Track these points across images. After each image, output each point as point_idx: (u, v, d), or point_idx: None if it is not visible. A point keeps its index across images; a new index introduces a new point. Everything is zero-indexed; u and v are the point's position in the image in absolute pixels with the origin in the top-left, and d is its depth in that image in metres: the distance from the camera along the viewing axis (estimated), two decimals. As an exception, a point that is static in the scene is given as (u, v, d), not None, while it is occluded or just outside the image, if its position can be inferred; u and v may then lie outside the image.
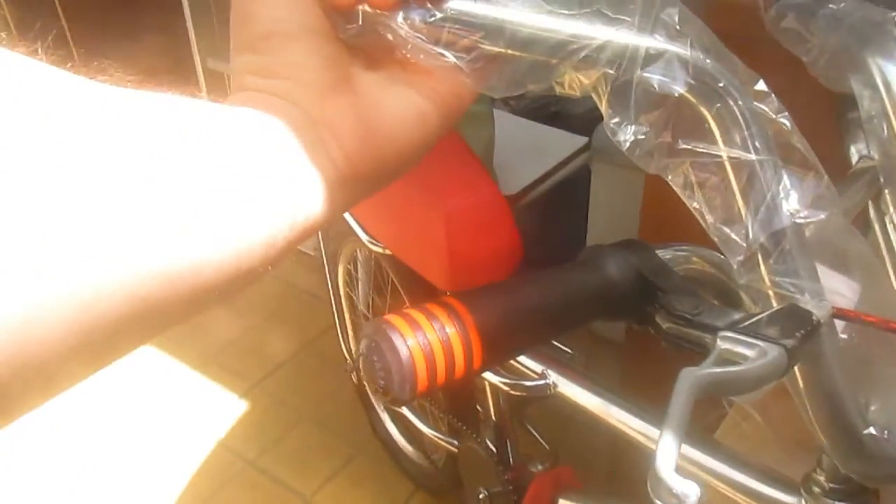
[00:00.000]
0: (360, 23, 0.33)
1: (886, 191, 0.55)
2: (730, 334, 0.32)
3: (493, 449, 1.15)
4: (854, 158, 0.61)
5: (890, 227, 0.56)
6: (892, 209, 0.55)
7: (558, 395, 0.91)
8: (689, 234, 0.80)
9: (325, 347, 1.83)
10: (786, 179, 0.35)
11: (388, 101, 0.34)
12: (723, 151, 0.35)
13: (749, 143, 0.34)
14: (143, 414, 1.77)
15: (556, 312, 0.34)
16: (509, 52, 0.34)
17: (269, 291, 1.98)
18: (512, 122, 1.77)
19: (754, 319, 0.33)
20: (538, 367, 0.92)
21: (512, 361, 0.95)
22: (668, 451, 0.25)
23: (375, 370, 0.30)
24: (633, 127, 0.34)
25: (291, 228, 0.29)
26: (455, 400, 1.25)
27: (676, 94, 0.33)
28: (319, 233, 1.64)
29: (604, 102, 0.34)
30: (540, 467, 1.13)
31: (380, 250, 1.18)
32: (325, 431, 1.70)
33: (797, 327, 0.32)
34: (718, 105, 0.34)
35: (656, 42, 0.33)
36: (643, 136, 0.34)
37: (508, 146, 1.63)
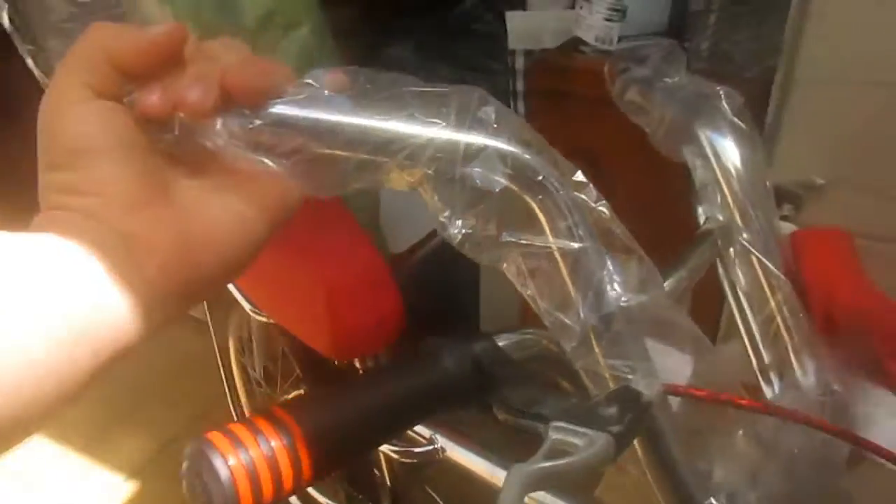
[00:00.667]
0: (177, 132, 0.32)
1: (728, 251, 0.58)
2: (560, 424, 0.32)
3: (394, 518, 1.13)
4: (701, 219, 0.65)
5: (736, 285, 0.59)
6: (734, 268, 0.58)
7: (447, 460, 0.90)
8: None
9: (222, 419, 1.75)
10: (610, 265, 0.36)
11: (210, 209, 0.33)
12: (550, 241, 0.35)
13: (573, 231, 0.35)
14: (27, 501, 1.64)
15: (391, 413, 0.34)
16: (333, 153, 0.34)
17: (158, 360, 1.90)
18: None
19: (585, 406, 0.34)
20: (427, 432, 0.92)
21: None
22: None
23: (197, 493, 0.29)
24: (461, 221, 0.35)
25: (95, 355, 0.28)
26: (351, 466, 1.22)
27: (498, 189, 0.34)
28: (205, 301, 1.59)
29: (429, 198, 0.35)
30: (438, 531, 1.11)
31: (265, 319, 1.15)
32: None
33: (625, 411, 0.33)
34: (541, 196, 0.35)
35: (475, 139, 0.34)
36: (470, 230, 0.35)
37: (398, 202, 1.64)
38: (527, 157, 0.35)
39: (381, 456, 1.07)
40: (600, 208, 0.37)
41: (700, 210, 0.65)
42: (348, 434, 0.32)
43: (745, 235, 0.56)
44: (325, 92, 0.34)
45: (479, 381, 0.36)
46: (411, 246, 1.56)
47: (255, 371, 1.49)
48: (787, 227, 0.65)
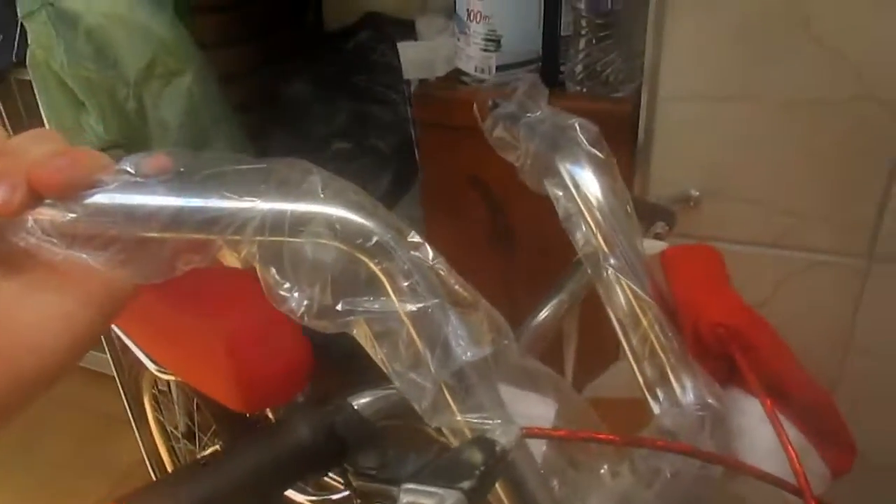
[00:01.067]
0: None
1: (601, 277, 0.60)
2: (411, 486, 0.32)
3: None
4: (579, 245, 0.66)
5: (612, 309, 0.61)
6: (608, 293, 0.59)
7: None
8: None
9: (144, 480, 1.69)
10: (454, 320, 0.36)
11: (28, 310, 0.32)
12: (394, 303, 0.36)
13: (415, 290, 0.36)
14: None
15: (245, 492, 0.33)
16: (154, 236, 0.33)
17: (77, 427, 1.83)
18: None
19: (438, 463, 0.34)
20: (342, 479, 0.91)
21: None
22: None
23: None
24: (297, 294, 0.34)
25: None
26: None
27: (331, 257, 0.34)
28: (111, 360, 1.54)
29: (265, 274, 0.35)
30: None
31: (171, 377, 1.12)
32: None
33: (478, 464, 0.34)
34: (377, 259, 0.35)
35: (301, 207, 0.34)
36: (309, 302, 0.35)
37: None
38: (359, 220, 0.35)
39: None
40: (437, 266, 0.37)
41: (577, 236, 0.67)
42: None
43: (612, 261, 0.58)
44: (138, 178, 0.33)
45: (333, 447, 0.36)
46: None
47: (173, 428, 1.45)
48: (659, 246, 0.68)
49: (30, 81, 1.45)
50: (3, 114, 1.86)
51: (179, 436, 1.44)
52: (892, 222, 0.77)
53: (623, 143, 0.89)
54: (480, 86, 1.00)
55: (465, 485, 0.32)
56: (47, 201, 0.32)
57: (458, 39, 1.02)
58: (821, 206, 0.79)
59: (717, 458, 0.48)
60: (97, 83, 1.21)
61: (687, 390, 0.58)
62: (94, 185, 0.32)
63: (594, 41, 0.91)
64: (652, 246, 0.69)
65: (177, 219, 0.33)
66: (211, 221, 0.33)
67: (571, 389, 0.41)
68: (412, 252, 0.36)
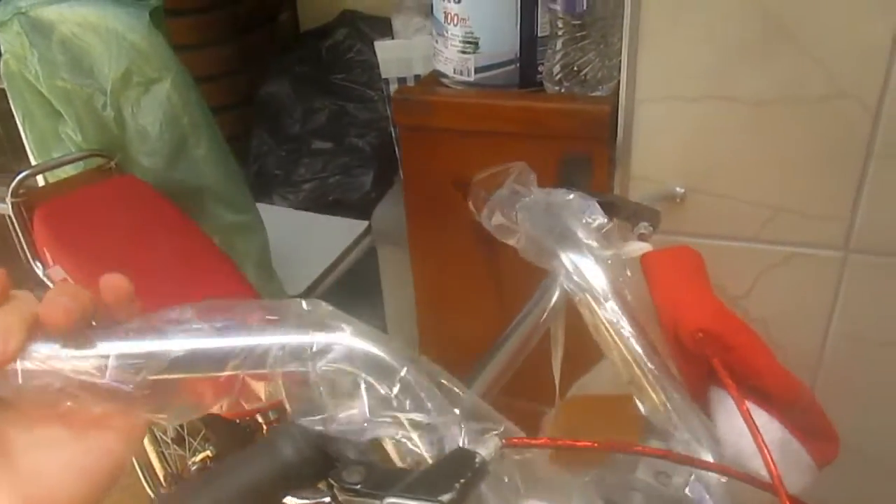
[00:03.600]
0: (20, 381, 0.32)
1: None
2: (393, 499, 0.33)
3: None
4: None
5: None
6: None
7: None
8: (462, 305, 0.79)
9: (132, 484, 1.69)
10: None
11: (49, 463, 0.33)
12: (403, 418, 0.37)
13: (428, 406, 0.38)
14: None
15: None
16: (184, 376, 0.35)
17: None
18: (290, 215, 1.77)
19: (421, 475, 0.35)
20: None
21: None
22: None
23: None
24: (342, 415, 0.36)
25: None
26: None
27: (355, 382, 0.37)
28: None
29: (290, 402, 0.37)
30: None
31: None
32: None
33: (458, 476, 0.34)
34: (392, 384, 0.38)
35: (323, 338, 0.37)
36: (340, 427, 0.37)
37: (291, 242, 1.63)
38: (374, 347, 0.38)
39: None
40: (451, 384, 0.40)
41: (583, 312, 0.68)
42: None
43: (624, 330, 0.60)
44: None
45: (316, 463, 0.36)
46: (308, 286, 1.55)
47: (163, 433, 1.45)
48: (643, 248, 0.69)
49: (2, 90, 1.44)
50: (-21, 122, 1.84)
51: (169, 441, 1.44)
52: (867, 215, 0.78)
53: (603, 142, 0.90)
54: (459, 88, 1.00)
55: (446, 497, 0.33)
56: (67, 349, 0.33)
57: (436, 42, 1.02)
58: (797, 200, 0.80)
59: (691, 460, 0.49)
60: (73, 92, 1.20)
61: (667, 392, 0.59)
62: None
63: (571, 41, 0.91)
64: (636, 248, 0.70)
65: (202, 356, 0.35)
66: (226, 356, 0.35)
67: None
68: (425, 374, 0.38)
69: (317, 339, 0.37)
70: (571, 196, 0.69)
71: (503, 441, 0.38)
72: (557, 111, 0.94)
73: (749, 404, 0.59)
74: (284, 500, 0.43)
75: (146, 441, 1.49)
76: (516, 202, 0.70)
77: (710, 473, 0.56)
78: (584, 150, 0.93)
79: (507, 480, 0.40)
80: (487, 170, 0.73)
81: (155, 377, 0.34)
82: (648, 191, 0.87)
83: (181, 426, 1.40)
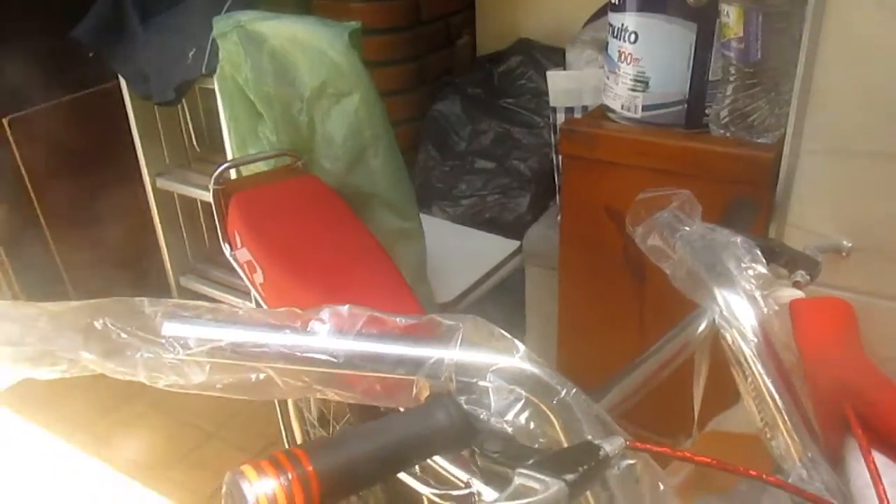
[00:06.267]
0: None
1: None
2: (524, 471, 0.38)
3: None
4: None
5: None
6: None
7: (483, 504, 0.95)
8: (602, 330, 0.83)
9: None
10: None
11: None
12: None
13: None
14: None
15: (389, 455, 0.41)
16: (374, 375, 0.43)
17: (223, 404, 2.00)
18: (448, 228, 1.86)
19: (550, 456, 0.40)
20: (464, 477, 0.97)
21: (440, 471, 1.00)
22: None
23: None
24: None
25: None
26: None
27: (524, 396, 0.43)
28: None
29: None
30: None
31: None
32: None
33: (582, 463, 0.39)
34: (555, 401, 0.44)
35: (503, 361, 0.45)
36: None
37: (444, 252, 1.72)
38: (535, 370, 0.45)
39: (425, 500, 1.13)
40: (597, 410, 0.46)
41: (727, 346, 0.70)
42: (352, 471, 0.39)
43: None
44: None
45: (464, 431, 0.42)
46: (458, 294, 1.63)
47: (310, 413, 1.57)
48: (794, 295, 0.70)
49: (211, 90, 1.63)
50: (188, 116, 2.09)
51: (315, 421, 1.56)
52: None
53: (765, 188, 0.91)
54: (624, 125, 1.05)
55: (569, 477, 0.38)
56: None
57: (607, 77, 1.07)
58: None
59: (816, 498, 0.51)
60: (275, 98, 1.35)
61: (799, 438, 0.60)
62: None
63: (742, 88, 0.93)
64: (788, 294, 0.71)
65: (396, 358, 0.43)
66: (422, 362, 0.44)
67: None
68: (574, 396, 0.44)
69: (490, 358, 0.44)
70: (736, 239, 0.71)
71: (627, 442, 0.43)
72: (722, 154, 0.96)
73: (885, 460, 0.59)
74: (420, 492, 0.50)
75: (293, 418, 1.62)
76: (677, 230, 0.72)
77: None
78: (752, 195, 0.94)
79: (641, 487, 0.45)
80: (653, 190, 0.76)
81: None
82: (806, 241, 0.87)
83: (326, 409, 1.52)
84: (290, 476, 0.37)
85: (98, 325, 0.44)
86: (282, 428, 1.60)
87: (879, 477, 0.51)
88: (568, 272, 1.17)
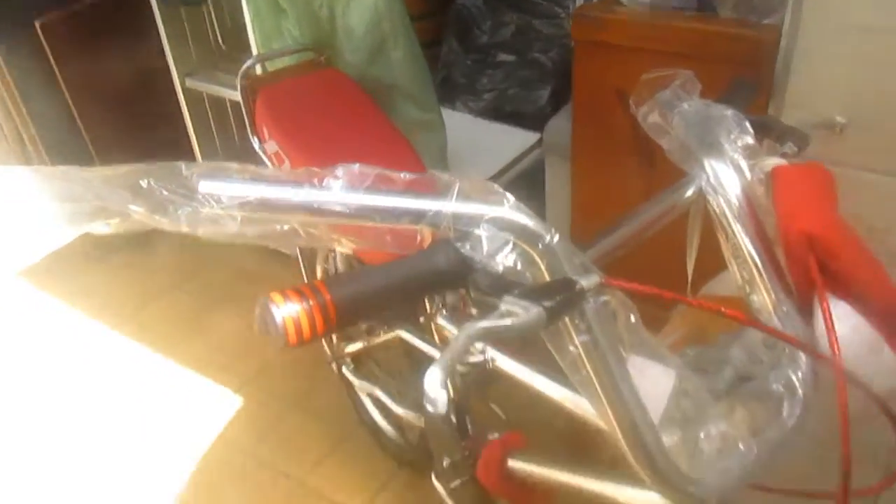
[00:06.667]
0: None
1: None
2: (509, 298, 0.45)
3: (454, 422, 1.28)
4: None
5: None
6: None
7: (496, 370, 1.04)
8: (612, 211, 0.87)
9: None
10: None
11: None
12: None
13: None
14: (146, 413, 1.91)
15: (396, 289, 0.48)
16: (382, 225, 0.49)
17: (246, 293, 2.12)
18: (470, 121, 1.90)
19: (533, 287, 0.47)
20: (479, 346, 1.06)
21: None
22: (435, 373, 0.39)
23: (263, 328, 0.45)
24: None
25: None
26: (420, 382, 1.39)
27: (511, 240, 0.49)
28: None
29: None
30: (496, 435, 1.26)
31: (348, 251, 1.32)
32: (314, 419, 1.84)
33: (560, 293, 0.46)
34: (540, 245, 0.49)
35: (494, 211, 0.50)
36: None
37: (466, 145, 1.77)
38: (523, 219, 0.50)
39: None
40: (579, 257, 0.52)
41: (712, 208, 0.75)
42: (364, 301, 0.47)
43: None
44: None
45: (460, 271, 0.49)
46: (478, 185, 1.68)
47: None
48: (776, 163, 0.74)
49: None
50: (213, 15, 2.12)
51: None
52: None
53: (766, 68, 0.94)
54: (636, 9, 1.07)
55: (547, 304, 0.45)
56: None
57: (620, -38, 1.08)
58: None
59: (781, 335, 0.57)
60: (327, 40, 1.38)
61: (773, 293, 0.67)
62: None
63: (749, -31, 0.95)
64: (772, 163, 0.76)
65: (401, 209, 0.49)
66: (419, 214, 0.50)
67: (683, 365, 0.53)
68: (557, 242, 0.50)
69: (483, 209, 0.50)
70: (728, 112, 0.75)
71: (603, 279, 0.49)
72: (727, 34, 0.99)
73: (846, 306, 0.65)
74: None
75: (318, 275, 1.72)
76: (676, 106, 0.77)
77: (799, 361, 0.64)
78: (753, 75, 0.97)
79: (616, 321, 0.52)
80: (656, 71, 0.80)
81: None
82: (804, 118, 0.90)
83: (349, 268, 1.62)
84: (311, 303, 0.45)
85: (144, 184, 0.51)
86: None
87: (832, 321, 0.57)
88: (580, 157, 1.22)
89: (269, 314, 0.44)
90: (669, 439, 0.58)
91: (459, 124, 1.77)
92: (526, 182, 1.80)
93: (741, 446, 0.58)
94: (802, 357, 0.64)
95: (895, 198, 0.88)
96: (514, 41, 1.93)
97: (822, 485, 0.64)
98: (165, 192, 0.50)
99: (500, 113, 1.91)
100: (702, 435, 0.57)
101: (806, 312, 0.69)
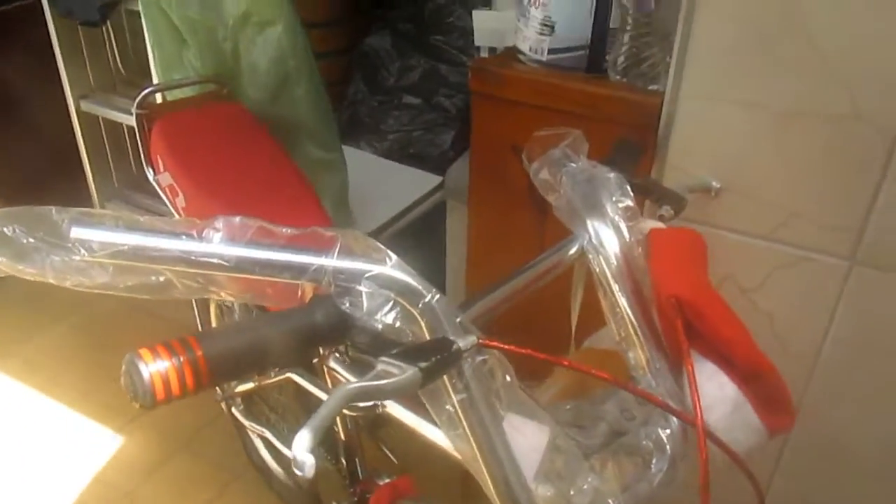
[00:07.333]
0: None
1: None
2: (385, 359, 0.46)
3: (344, 465, 1.27)
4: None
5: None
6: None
7: (387, 414, 1.04)
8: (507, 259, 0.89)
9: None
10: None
11: None
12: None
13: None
14: (19, 452, 1.79)
15: (272, 345, 0.47)
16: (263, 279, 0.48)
17: (136, 326, 2.04)
18: (373, 162, 1.91)
19: (409, 349, 0.47)
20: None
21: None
22: (304, 436, 0.39)
23: (130, 385, 0.43)
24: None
25: None
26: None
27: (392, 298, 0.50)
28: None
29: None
30: (386, 479, 1.25)
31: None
32: (201, 460, 1.78)
33: (436, 353, 0.47)
34: (420, 304, 0.50)
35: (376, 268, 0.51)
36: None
37: (369, 185, 1.77)
38: (404, 277, 0.51)
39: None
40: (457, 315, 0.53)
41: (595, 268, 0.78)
42: (238, 357, 0.46)
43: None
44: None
45: (340, 327, 0.49)
46: (379, 225, 1.69)
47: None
48: (653, 225, 0.79)
49: (137, 12, 1.62)
50: (114, 38, 2.06)
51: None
52: (875, 231, 0.85)
53: (651, 132, 0.99)
54: (532, 66, 1.11)
55: (423, 365, 0.46)
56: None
57: (518, 20, 1.12)
58: (812, 208, 0.87)
59: (647, 395, 0.60)
60: (199, 24, 1.36)
61: (648, 350, 0.70)
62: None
63: (637, 36, 1.00)
64: (649, 225, 0.80)
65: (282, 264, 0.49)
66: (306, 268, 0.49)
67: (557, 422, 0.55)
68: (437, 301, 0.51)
69: (364, 266, 0.51)
70: (611, 175, 0.79)
71: (480, 340, 0.51)
72: (615, 98, 1.04)
73: (712, 365, 0.69)
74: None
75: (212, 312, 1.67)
76: (564, 165, 0.80)
77: (669, 418, 0.67)
78: (638, 137, 1.02)
79: (493, 380, 0.53)
80: (548, 129, 0.83)
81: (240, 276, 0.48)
82: (683, 181, 0.96)
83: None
84: (181, 359, 0.44)
85: (8, 231, 0.49)
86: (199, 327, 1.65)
87: (696, 381, 0.61)
88: (477, 205, 1.25)
89: (135, 371, 0.43)
90: (543, 494, 0.59)
91: (363, 164, 1.78)
92: (427, 224, 1.82)
93: (611, 502, 0.60)
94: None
95: (764, 260, 0.94)
96: (421, 85, 1.96)
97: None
98: (32, 240, 0.48)
99: (405, 154, 1.93)
100: (573, 491, 0.58)
101: (678, 369, 0.73)
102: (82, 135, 2.11)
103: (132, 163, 2.26)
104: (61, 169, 2.18)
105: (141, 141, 1.41)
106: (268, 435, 1.45)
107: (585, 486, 0.60)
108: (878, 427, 0.98)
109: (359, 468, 1.27)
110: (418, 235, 1.79)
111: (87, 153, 2.15)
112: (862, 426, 1.00)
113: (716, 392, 0.68)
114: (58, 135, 2.12)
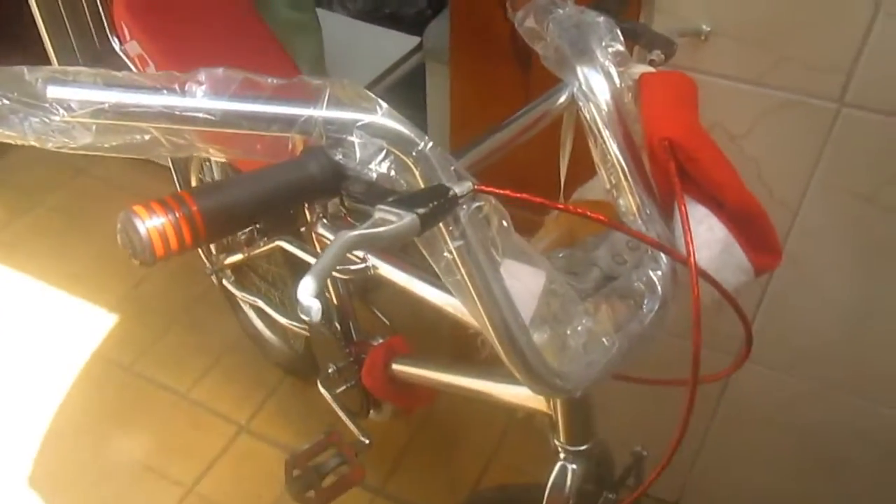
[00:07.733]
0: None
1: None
2: (383, 206, 0.46)
3: (338, 329, 1.30)
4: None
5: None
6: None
7: (378, 276, 1.05)
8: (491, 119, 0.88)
9: (187, 255, 1.90)
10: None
11: None
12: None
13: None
14: (16, 335, 1.81)
15: (266, 198, 0.47)
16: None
17: (115, 204, 2.02)
18: (347, 24, 1.84)
19: (407, 196, 0.47)
20: (360, 254, 1.06)
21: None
22: (308, 282, 0.39)
23: (127, 243, 0.43)
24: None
25: None
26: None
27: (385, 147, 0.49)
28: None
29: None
30: (380, 340, 1.28)
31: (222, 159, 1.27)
32: (195, 333, 1.81)
33: (433, 200, 0.47)
34: (414, 152, 0.48)
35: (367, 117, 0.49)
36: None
37: (344, 49, 1.71)
38: (397, 125, 0.50)
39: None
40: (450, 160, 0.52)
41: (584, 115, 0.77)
42: (233, 211, 0.45)
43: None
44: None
45: (333, 178, 0.49)
46: (358, 91, 1.65)
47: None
48: (644, 70, 0.77)
49: None
50: None
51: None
52: (865, 71, 0.84)
53: (639, -25, 0.95)
54: None
55: (420, 211, 0.45)
56: None
57: None
58: (803, 49, 0.86)
59: (642, 236, 0.60)
60: None
61: (637, 195, 0.70)
62: None
63: None
64: (640, 69, 0.78)
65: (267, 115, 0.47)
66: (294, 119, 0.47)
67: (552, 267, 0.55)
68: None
69: (355, 116, 0.49)
70: (600, 19, 0.76)
71: (475, 186, 0.50)
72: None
73: (703, 208, 0.70)
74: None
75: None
76: (551, 12, 0.77)
77: (659, 260, 0.68)
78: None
79: (489, 227, 0.53)
80: (534, -25, 0.79)
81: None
82: (673, 25, 0.93)
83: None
84: (177, 214, 0.43)
85: (-19, 92, 0.47)
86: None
87: (689, 222, 0.61)
88: (458, 62, 1.21)
89: (132, 228, 0.42)
90: (540, 337, 0.61)
91: (336, 27, 1.71)
92: (406, 87, 1.78)
93: (605, 341, 0.62)
94: (662, 257, 0.68)
95: (753, 105, 0.93)
96: (393, -59, 1.86)
97: (681, 374, 0.70)
98: (6, 101, 0.46)
99: (379, 15, 1.85)
100: (569, 332, 0.60)
101: (667, 215, 0.73)
102: (37, 6, 1.99)
103: (94, 35, 2.15)
104: (17, 46, 2.07)
105: (103, 8, 1.34)
106: (260, 304, 1.47)
107: (580, 328, 0.62)
108: (857, 270, 1.01)
109: (352, 330, 1.31)
110: (397, 101, 1.75)
111: (46, 28, 2.03)
112: (841, 270, 1.02)
113: (706, 234, 0.69)
114: (12, 11, 2.01)
